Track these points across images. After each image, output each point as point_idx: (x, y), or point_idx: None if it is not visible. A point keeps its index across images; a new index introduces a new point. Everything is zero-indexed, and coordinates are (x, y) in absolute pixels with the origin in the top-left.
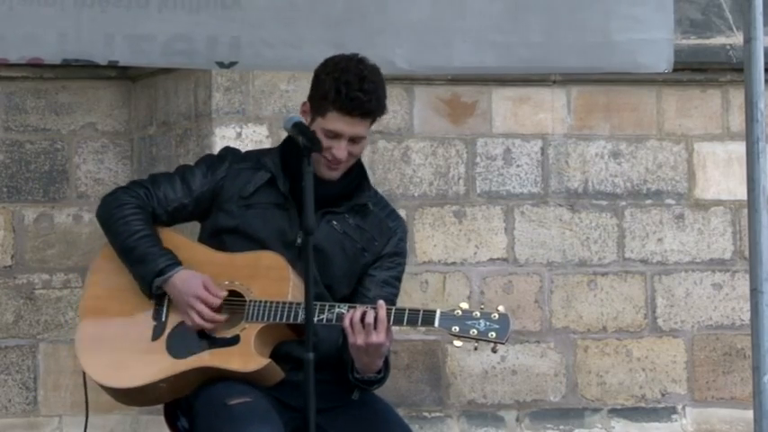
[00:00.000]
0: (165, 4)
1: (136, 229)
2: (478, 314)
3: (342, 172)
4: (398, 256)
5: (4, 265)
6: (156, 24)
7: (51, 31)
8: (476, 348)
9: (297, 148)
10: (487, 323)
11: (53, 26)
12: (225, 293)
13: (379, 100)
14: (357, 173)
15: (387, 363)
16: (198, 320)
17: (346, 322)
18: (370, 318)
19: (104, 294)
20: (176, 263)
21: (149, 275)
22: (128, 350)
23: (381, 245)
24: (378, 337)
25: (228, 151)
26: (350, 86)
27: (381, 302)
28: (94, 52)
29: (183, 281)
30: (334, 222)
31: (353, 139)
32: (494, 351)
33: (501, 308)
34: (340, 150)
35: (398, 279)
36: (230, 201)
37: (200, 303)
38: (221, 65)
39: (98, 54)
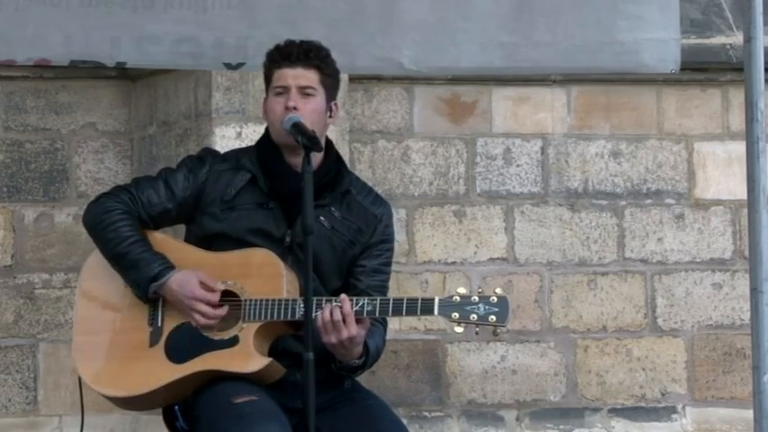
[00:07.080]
0: (171, 4)
1: (126, 234)
2: (477, 298)
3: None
4: (386, 242)
5: (4, 265)
6: (163, 25)
7: (58, 32)
8: (477, 333)
9: (272, 145)
10: (487, 307)
11: (60, 27)
12: (222, 286)
13: (318, 49)
14: (333, 159)
15: (367, 347)
16: (202, 321)
17: (318, 323)
18: (337, 315)
19: (96, 303)
20: (170, 266)
21: (144, 281)
22: (127, 358)
23: (368, 235)
24: (349, 331)
25: (208, 153)
26: (286, 43)
27: (344, 296)
28: (101, 54)
29: (180, 284)
30: (322, 218)
31: (303, 93)
32: (495, 334)
33: (499, 290)
34: (290, 100)
35: (388, 264)
36: (213, 204)
37: (200, 304)
38: (229, 66)
39: (105, 55)
